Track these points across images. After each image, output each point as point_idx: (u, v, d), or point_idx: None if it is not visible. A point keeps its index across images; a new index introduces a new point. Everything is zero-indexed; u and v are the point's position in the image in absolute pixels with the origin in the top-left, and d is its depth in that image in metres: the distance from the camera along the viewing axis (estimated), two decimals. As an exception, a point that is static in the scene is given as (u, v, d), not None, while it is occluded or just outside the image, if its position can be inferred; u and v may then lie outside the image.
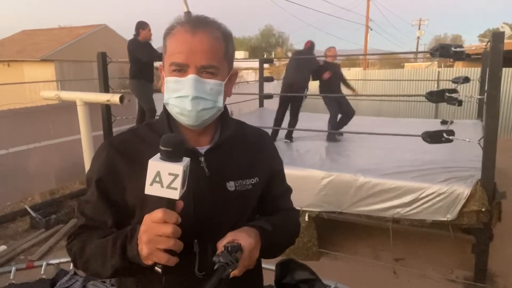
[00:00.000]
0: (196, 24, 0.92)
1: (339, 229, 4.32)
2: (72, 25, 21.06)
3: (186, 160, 0.80)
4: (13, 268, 1.93)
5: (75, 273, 1.92)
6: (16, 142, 5.54)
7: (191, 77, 0.91)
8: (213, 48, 0.92)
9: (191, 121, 0.95)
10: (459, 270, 3.61)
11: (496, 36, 3.11)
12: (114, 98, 4.11)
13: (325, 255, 3.90)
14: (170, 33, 0.94)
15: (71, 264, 1.97)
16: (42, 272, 1.96)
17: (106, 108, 5.27)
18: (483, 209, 3.18)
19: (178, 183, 0.77)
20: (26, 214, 4.89)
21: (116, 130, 5.53)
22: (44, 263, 1.99)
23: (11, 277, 1.90)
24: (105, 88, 5.21)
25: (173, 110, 0.96)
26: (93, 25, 17.44)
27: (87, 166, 4.37)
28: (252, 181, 1.02)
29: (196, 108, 0.93)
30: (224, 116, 1.03)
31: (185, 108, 0.93)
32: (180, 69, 0.92)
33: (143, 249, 0.80)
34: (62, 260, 2.06)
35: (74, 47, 15.50)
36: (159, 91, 6.61)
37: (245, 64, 18.08)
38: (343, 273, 3.61)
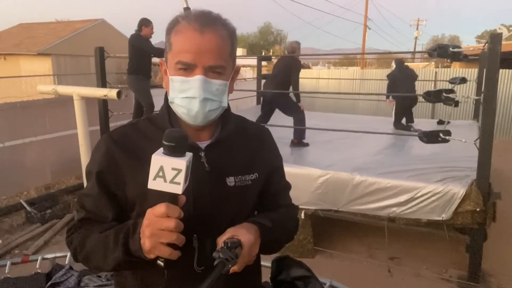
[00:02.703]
0: (204, 22, 0.91)
1: (334, 227, 4.33)
2: (69, 19, 20.94)
3: (189, 155, 0.80)
4: (8, 262, 1.93)
5: (70, 268, 1.92)
6: (12, 136, 5.51)
7: (199, 77, 0.90)
8: (221, 48, 0.92)
9: (197, 122, 0.95)
10: (453, 270, 3.64)
11: (494, 38, 3.12)
12: (112, 93, 4.09)
13: (320, 252, 3.91)
14: (174, 28, 0.93)
15: (67, 259, 1.97)
16: (37, 266, 1.95)
17: (103, 103, 5.25)
18: (478, 209, 3.21)
19: (181, 178, 0.77)
20: (22, 208, 4.87)
21: (112, 125, 5.51)
22: (40, 258, 1.99)
23: (6, 271, 1.89)
24: (103, 83, 5.19)
25: (179, 110, 0.95)
26: (91, 19, 17.36)
27: (83, 161, 4.35)
28: (252, 176, 1.02)
29: (203, 110, 0.93)
30: (225, 112, 1.02)
31: (192, 109, 0.92)
32: (187, 68, 0.91)
33: (146, 243, 0.80)
34: (58, 254, 2.06)
35: (71, 41, 15.43)
36: (156, 86, 6.60)
37: (243, 62, 18.07)
38: (338, 271, 3.62)
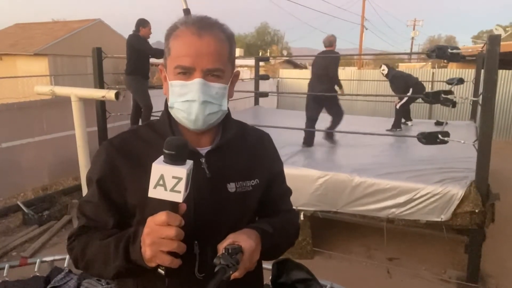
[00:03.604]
0: (202, 26, 0.91)
1: (333, 228, 4.33)
2: (65, 19, 20.88)
3: (190, 163, 0.79)
4: (7, 265, 1.92)
5: (69, 271, 1.91)
6: (9, 137, 5.48)
7: (198, 81, 0.90)
8: (219, 51, 0.92)
9: (197, 126, 0.94)
10: (452, 270, 3.64)
11: (493, 39, 3.12)
12: (110, 94, 4.06)
13: (319, 254, 3.91)
14: (173, 34, 0.93)
15: (66, 261, 1.96)
16: (36, 269, 1.94)
17: (101, 104, 5.24)
18: (476, 210, 3.21)
19: (181, 186, 0.76)
20: (19, 210, 4.84)
21: (110, 126, 5.49)
22: (38, 260, 1.98)
23: (4, 274, 1.88)
24: (100, 84, 5.18)
25: (179, 115, 0.95)
26: (88, 19, 17.31)
27: (81, 162, 4.33)
28: (253, 182, 1.01)
29: (203, 113, 0.92)
30: (225, 118, 1.02)
31: (192, 112, 0.92)
32: (186, 72, 0.91)
33: (147, 251, 0.79)
34: (57, 257, 2.05)
35: (68, 41, 15.37)
36: (154, 87, 6.59)
37: (240, 62, 18.07)
38: (337, 272, 3.62)
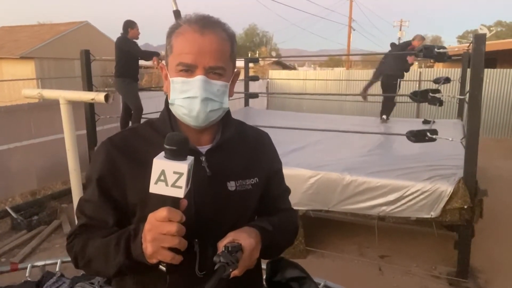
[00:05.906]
0: (205, 24, 0.92)
1: (326, 227, 4.36)
2: (52, 21, 20.63)
3: (191, 158, 0.80)
4: (-3, 271, 1.89)
5: (62, 275, 1.89)
6: (-4, 141, 5.40)
7: (199, 78, 0.91)
8: (221, 49, 0.93)
9: (198, 122, 0.95)
10: (442, 266, 3.69)
11: (478, 38, 3.18)
12: (99, 96, 4.01)
13: (312, 253, 3.93)
14: (175, 31, 0.94)
15: (57, 266, 1.94)
16: (27, 275, 1.92)
17: (90, 107, 5.19)
18: (465, 206, 3.26)
19: (183, 181, 0.77)
20: (7, 215, 4.77)
21: (99, 129, 5.44)
22: (29, 265, 1.96)
23: (-5, 280, 1.85)
24: (89, 87, 5.12)
25: (180, 111, 0.95)
26: (75, 22, 17.13)
27: (70, 166, 4.27)
28: (252, 181, 1.02)
29: (204, 110, 0.93)
30: (225, 116, 1.03)
31: (193, 109, 0.92)
32: (188, 69, 0.91)
33: (148, 247, 0.80)
34: (48, 261, 2.03)
35: (55, 44, 15.19)
36: (143, 89, 6.53)
37: (229, 63, 17.98)
38: (330, 270, 3.64)
